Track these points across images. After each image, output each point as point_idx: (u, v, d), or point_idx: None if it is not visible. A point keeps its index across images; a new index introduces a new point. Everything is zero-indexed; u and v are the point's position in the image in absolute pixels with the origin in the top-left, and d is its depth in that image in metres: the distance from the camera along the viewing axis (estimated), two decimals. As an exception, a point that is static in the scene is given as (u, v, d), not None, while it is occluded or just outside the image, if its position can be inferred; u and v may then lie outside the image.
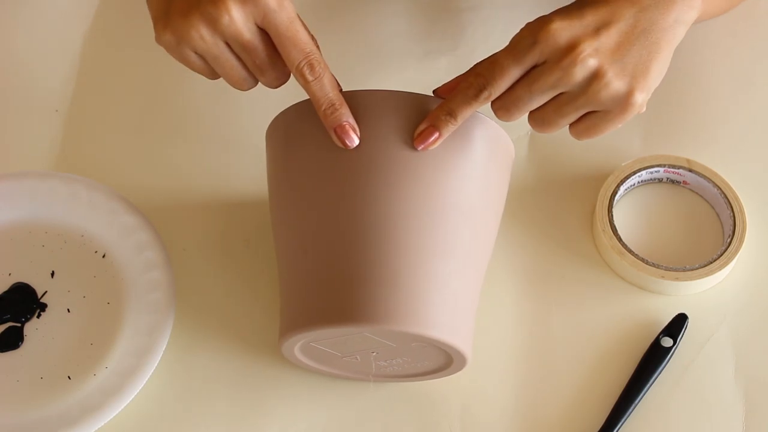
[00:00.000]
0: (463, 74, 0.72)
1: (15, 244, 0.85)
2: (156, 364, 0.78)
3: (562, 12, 0.69)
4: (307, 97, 0.73)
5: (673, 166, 0.86)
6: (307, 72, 0.70)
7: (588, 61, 0.67)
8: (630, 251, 0.82)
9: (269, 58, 0.71)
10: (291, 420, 0.79)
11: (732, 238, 0.83)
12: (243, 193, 0.88)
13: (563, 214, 0.87)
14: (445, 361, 0.75)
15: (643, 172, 0.86)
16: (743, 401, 0.79)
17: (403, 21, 0.97)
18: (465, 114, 0.70)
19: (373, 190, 0.71)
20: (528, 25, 0.69)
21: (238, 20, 0.68)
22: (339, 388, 0.80)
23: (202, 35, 0.69)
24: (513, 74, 0.68)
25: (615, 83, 0.68)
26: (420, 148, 0.71)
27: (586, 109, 0.70)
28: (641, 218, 0.86)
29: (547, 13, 0.96)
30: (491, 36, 0.96)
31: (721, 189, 0.85)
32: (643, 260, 0.82)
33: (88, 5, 0.98)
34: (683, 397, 0.79)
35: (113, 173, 0.89)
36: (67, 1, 0.98)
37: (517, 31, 0.98)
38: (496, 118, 0.73)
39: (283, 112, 0.76)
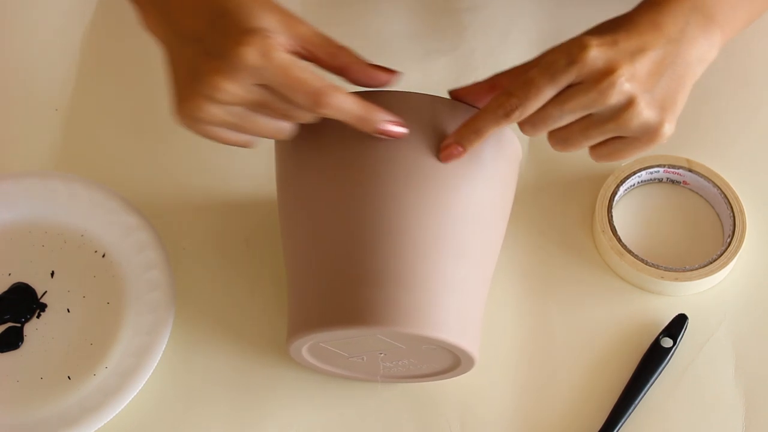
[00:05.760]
0: (488, 83, 0.73)
1: (15, 244, 0.85)
2: (156, 364, 0.78)
3: (595, 34, 0.68)
4: None
5: (673, 166, 0.86)
6: (319, 109, 0.68)
7: (624, 86, 0.67)
8: (629, 252, 0.82)
9: (288, 102, 0.68)
10: (291, 420, 0.79)
11: (732, 238, 0.83)
12: (243, 193, 0.88)
13: (563, 215, 0.87)
14: (453, 363, 0.75)
15: (643, 172, 0.86)
16: (743, 401, 0.79)
17: (403, 21, 0.97)
18: (492, 132, 0.70)
19: (389, 192, 0.70)
20: (563, 45, 0.68)
21: (234, 90, 0.66)
22: (339, 387, 0.80)
23: (212, 112, 0.68)
24: (547, 94, 0.67)
25: (647, 112, 0.68)
26: (444, 161, 0.71)
27: (614, 134, 0.69)
28: (641, 218, 0.86)
29: (547, 14, 0.96)
30: (491, 36, 0.96)
31: (721, 189, 0.85)
32: (642, 260, 0.82)
33: (88, 4, 0.98)
34: (683, 397, 0.79)
35: (113, 173, 0.89)
36: None
37: (519, 31, 0.98)
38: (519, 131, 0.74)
39: None
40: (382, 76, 0.71)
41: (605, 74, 0.66)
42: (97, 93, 0.94)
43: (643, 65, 0.68)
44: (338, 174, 0.72)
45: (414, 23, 0.97)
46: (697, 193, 0.87)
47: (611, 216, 0.84)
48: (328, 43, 0.69)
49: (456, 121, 0.72)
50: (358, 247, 0.70)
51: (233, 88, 0.66)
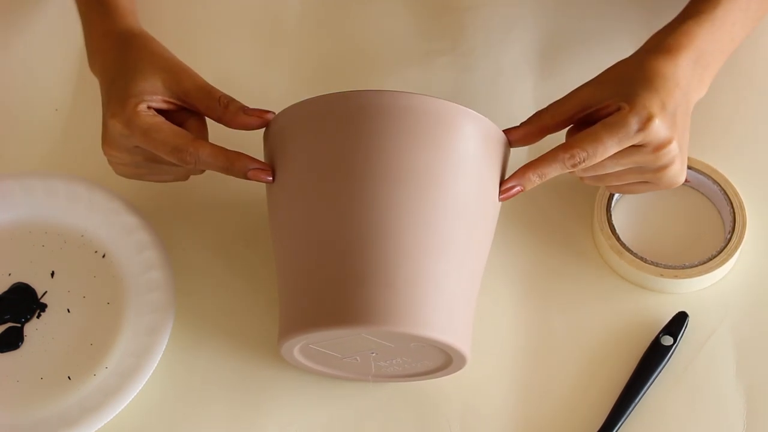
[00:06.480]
0: (536, 127, 0.77)
1: (15, 244, 0.85)
2: (156, 364, 0.78)
3: (653, 98, 0.73)
4: (306, 97, 0.74)
5: (673, 164, 0.86)
6: (184, 164, 0.75)
7: (673, 152, 0.74)
8: (628, 250, 0.82)
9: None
10: (291, 420, 0.79)
11: (732, 234, 0.83)
12: (243, 193, 0.88)
13: (563, 214, 0.87)
14: (445, 360, 0.75)
15: (643, 171, 0.86)
16: (744, 399, 0.79)
17: (403, 21, 0.97)
18: (553, 176, 0.74)
19: (372, 191, 0.70)
20: (633, 110, 0.72)
21: (118, 154, 0.77)
22: (339, 388, 0.80)
23: (119, 167, 0.79)
24: (611, 152, 0.73)
25: (679, 169, 0.75)
26: (502, 200, 0.75)
27: (644, 180, 0.76)
28: (640, 217, 0.86)
29: (547, 13, 0.96)
30: (491, 36, 0.96)
31: (720, 185, 0.85)
32: (641, 259, 0.82)
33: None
34: (684, 395, 0.79)
35: (113, 173, 0.88)
36: None
37: (519, 30, 0.98)
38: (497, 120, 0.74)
39: (281, 112, 0.76)
40: (253, 121, 0.76)
41: (664, 144, 0.73)
42: (97, 93, 0.93)
43: (683, 128, 0.75)
44: (317, 177, 0.72)
45: (414, 23, 0.97)
46: (696, 189, 0.87)
47: (610, 215, 0.84)
48: (207, 95, 0.76)
49: (432, 119, 0.72)
50: (338, 248, 0.70)
51: (116, 153, 0.77)
